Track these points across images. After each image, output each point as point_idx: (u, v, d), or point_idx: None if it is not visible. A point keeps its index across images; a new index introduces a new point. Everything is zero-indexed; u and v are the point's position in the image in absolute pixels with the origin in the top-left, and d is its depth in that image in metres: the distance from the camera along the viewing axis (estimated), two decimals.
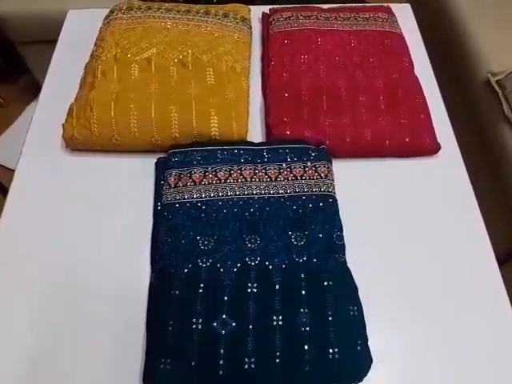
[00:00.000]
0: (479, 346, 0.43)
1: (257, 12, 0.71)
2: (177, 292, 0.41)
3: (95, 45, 0.60)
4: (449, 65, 0.95)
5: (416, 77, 0.60)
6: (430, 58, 0.67)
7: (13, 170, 1.25)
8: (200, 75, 0.56)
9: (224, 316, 0.40)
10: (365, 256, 0.46)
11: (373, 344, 0.40)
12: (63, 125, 0.53)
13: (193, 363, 0.37)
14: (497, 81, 0.85)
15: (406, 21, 0.70)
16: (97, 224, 0.49)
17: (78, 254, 0.47)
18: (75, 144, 0.52)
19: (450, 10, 0.97)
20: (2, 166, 1.20)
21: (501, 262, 0.78)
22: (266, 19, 0.67)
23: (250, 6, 0.69)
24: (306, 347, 0.38)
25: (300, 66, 0.59)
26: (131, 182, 0.52)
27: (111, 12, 0.64)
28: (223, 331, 0.39)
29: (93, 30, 0.65)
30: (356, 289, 0.43)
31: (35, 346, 0.41)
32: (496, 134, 0.84)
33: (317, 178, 0.49)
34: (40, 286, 0.45)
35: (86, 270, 0.46)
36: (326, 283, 0.42)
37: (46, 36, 1.12)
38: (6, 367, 0.41)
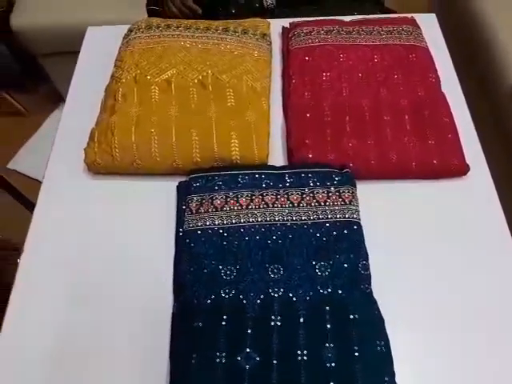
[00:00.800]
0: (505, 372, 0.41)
1: (276, 25, 0.69)
2: (200, 324, 0.41)
3: (115, 66, 0.60)
4: (475, 77, 0.92)
5: (443, 94, 0.58)
6: (455, 68, 0.64)
7: (34, 179, 1.27)
8: (220, 96, 0.55)
9: (248, 350, 0.39)
10: (392, 286, 0.45)
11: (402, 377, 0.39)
12: (85, 149, 0.53)
13: None
14: None
15: (432, 32, 0.67)
16: (118, 248, 0.49)
17: (98, 280, 0.47)
18: (97, 168, 0.53)
19: (476, 19, 0.94)
20: (25, 176, 1.22)
21: None
22: (285, 34, 0.66)
23: (270, 20, 0.68)
24: None
25: (322, 85, 0.58)
26: (152, 206, 0.52)
27: (130, 31, 0.64)
28: (247, 366, 0.39)
29: (112, 47, 0.65)
30: (383, 321, 0.42)
31: (57, 372, 0.42)
32: None
33: (341, 204, 0.48)
34: (61, 311, 0.45)
35: (107, 298, 0.46)
36: (351, 316, 0.41)
37: (66, 47, 1.14)
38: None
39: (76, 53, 1.17)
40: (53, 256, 0.49)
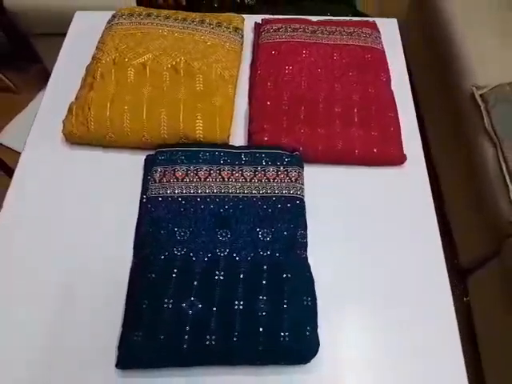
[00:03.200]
0: (420, 341, 0.48)
1: (252, 21, 0.75)
2: (153, 275, 0.47)
3: (97, 48, 0.66)
4: (441, 77, 0.99)
5: (391, 92, 0.64)
6: (422, 68, 0.71)
7: (19, 153, 1.30)
8: (190, 81, 0.61)
9: (192, 298, 0.45)
10: (327, 254, 0.52)
11: (324, 332, 0.46)
12: (63, 121, 0.58)
13: (161, 337, 0.43)
14: (480, 94, 0.89)
15: (391, 35, 0.74)
16: (89, 211, 0.55)
17: (71, 237, 0.53)
18: (74, 139, 0.58)
19: (443, 25, 1.01)
20: (12, 150, 1.27)
21: (471, 270, 0.83)
22: (257, 29, 0.72)
23: (246, 16, 0.74)
24: (260, 329, 0.44)
25: (284, 77, 0.64)
26: (122, 175, 0.58)
27: (113, 17, 0.69)
28: (190, 311, 0.45)
29: (97, 31, 0.71)
30: (313, 282, 0.49)
31: (30, 321, 0.48)
32: (476, 146, 0.88)
33: (287, 182, 0.54)
34: (32, 271, 0.51)
35: (77, 252, 0.52)
36: (285, 275, 0.47)
37: (56, 29, 1.18)
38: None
39: (64, 34, 1.20)
40: (30, 215, 0.55)
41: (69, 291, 0.49)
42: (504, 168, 0.81)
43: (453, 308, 0.50)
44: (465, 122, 0.93)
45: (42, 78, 1.38)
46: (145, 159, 0.58)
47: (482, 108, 0.87)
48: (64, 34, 1.22)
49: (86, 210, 0.55)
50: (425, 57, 0.73)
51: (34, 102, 1.36)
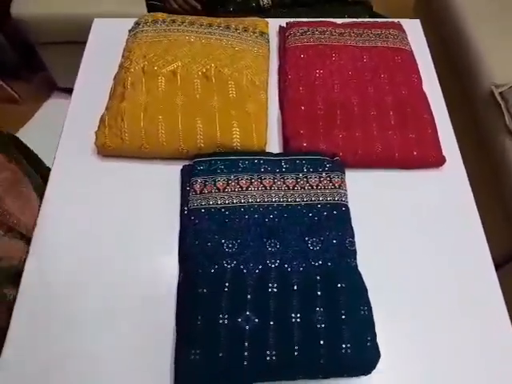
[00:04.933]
0: (476, 344, 0.47)
1: (273, 25, 0.74)
2: (204, 290, 0.46)
3: (123, 56, 0.64)
4: (455, 77, 0.99)
5: (424, 93, 0.64)
6: (436, 69, 0.70)
7: None
8: (222, 88, 0.60)
9: (247, 313, 0.44)
10: (374, 260, 0.51)
11: (380, 341, 0.45)
12: (96, 133, 0.57)
13: (220, 354, 0.42)
14: (500, 93, 0.89)
15: (416, 36, 0.74)
16: (127, 226, 0.53)
17: (109, 256, 0.51)
18: (107, 151, 0.57)
19: (457, 23, 1.01)
20: None
21: (498, 265, 0.83)
22: (282, 33, 0.71)
23: (268, 19, 0.73)
24: (321, 342, 0.43)
25: (315, 81, 0.63)
26: (157, 187, 0.56)
27: (137, 24, 0.68)
28: (247, 326, 0.43)
29: (119, 39, 0.69)
30: (366, 290, 0.48)
31: (69, 343, 0.46)
32: (497, 144, 0.88)
33: (331, 188, 0.53)
34: (73, 286, 0.49)
35: (118, 270, 0.50)
36: (339, 285, 0.46)
37: (63, 37, 1.16)
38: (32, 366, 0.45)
39: (73, 43, 1.19)
40: (64, 233, 0.53)
41: (110, 311, 0.48)
42: None
43: (505, 308, 0.50)
44: (484, 121, 0.93)
45: (46, 87, 1.36)
46: (181, 169, 0.56)
47: (503, 106, 0.87)
48: (69, 42, 1.20)
49: (123, 224, 0.54)
50: (436, 56, 0.73)
51: (39, 113, 1.33)
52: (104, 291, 0.49)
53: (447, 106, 0.66)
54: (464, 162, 0.61)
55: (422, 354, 0.47)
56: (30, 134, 1.29)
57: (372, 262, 0.50)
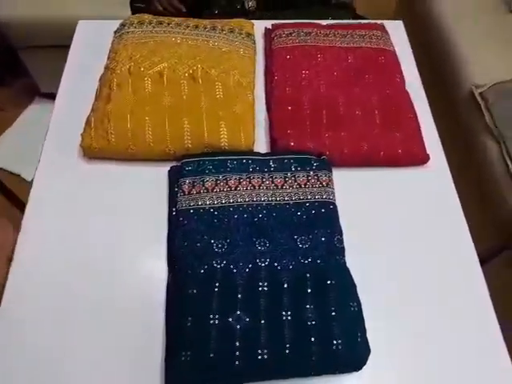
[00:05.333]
0: (461, 338, 0.48)
1: (258, 27, 0.75)
2: (194, 291, 0.45)
3: (109, 58, 0.64)
4: (436, 77, 1.01)
5: (407, 92, 0.65)
6: (419, 70, 0.72)
7: (9, 172, 1.27)
8: (209, 89, 0.60)
9: (238, 312, 0.44)
10: (362, 258, 0.51)
11: (370, 336, 0.45)
12: (82, 134, 0.56)
13: (211, 355, 0.42)
14: (480, 93, 0.91)
15: (398, 37, 0.75)
16: (114, 228, 0.53)
17: (96, 258, 0.51)
18: (93, 153, 0.56)
19: (438, 26, 1.04)
20: (2, 169, 1.21)
21: (483, 260, 0.85)
22: (268, 34, 0.72)
23: (253, 21, 0.74)
24: (312, 339, 0.43)
25: (301, 81, 0.63)
26: (145, 189, 0.56)
27: (122, 25, 0.67)
28: (238, 326, 0.43)
29: (103, 41, 0.69)
30: (355, 287, 0.48)
31: (57, 345, 0.45)
32: (478, 143, 0.90)
33: (319, 187, 0.54)
34: (62, 290, 0.48)
35: (106, 273, 0.49)
36: (329, 282, 0.47)
37: (46, 41, 1.15)
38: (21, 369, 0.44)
39: (56, 46, 1.18)
40: (50, 234, 0.52)
41: (98, 313, 0.47)
42: (510, 164, 0.83)
43: (491, 304, 0.51)
44: (466, 121, 0.95)
45: (29, 92, 1.33)
46: (169, 171, 0.56)
47: (483, 106, 0.90)
48: (52, 46, 1.18)
49: (110, 227, 0.53)
50: (418, 58, 0.75)
51: (22, 118, 1.31)
52: (92, 293, 0.48)
53: (430, 106, 0.67)
54: (447, 162, 0.62)
55: (410, 350, 0.47)
56: (11, 140, 1.27)
57: (360, 259, 0.51)
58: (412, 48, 0.75)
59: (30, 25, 1.09)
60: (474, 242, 0.55)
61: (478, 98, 0.91)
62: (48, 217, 0.53)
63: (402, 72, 0.67)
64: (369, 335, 0.45)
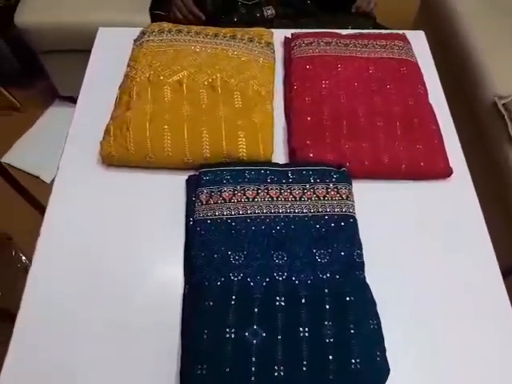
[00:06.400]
0: (485, 355, 0.47)
1: (277, 35, 0.74)
2: (211, 303, 0.45)
3: (128, 66, 0.64)
4: (458, 87, 0.99)
5: (430, 103, 0.64)
6: (440, 81, 0.71)
7: (28, 173, 1.30)
8: (228, 98, 0.59)
9: (255, 327, 0.43)
10: (382, 273, 0.50)
11: (389, 355, 0.44)
12: (101, 142, 0.56)
13: (227, 370, 0.41)
14: (503, 104, 0.89)
15: (420, 47, 0.74)
16: (131, 236, 0.53)
17: (114, 267, 0.50)
18: (112, 161, 0.56)
19: (459, 34, 1.02)
20: (20, 170, 1.23)
21: (506, 275, 0.83)
22: (288, 44, 0.71)
23: (272, 30, 0.73)
24: (330, 357, 0.42)
25: (321, 91, 0.63)
26: (163, 197, 0.56)
27: (143, 34, 0.68)
28: (254, 341, 0.43)
29: (123, 48, 0.69)
30: (375, 304, 0.47)
31: (72, 358, 0.45)
32: (502, 153, 0.88)
33: (338, 199, 0.53)
34: (77, 298, 0.48)
35: (122, 282, 0.49)
36: (348, 298, 0.46)
37: (66, 46, 1.17)
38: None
39: (75, 51, 1.19)
40: (68, 244, 0.52)
41: (116, 327, 0.47)
42: None
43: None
44: (488, 132, 0.93)
45: (48, 95, 1.36)
46: (187, 180, 0.56)
47: (506, 117, 0.87)
48: (72, 51, 1.20)
49: (128, 235, 0.53)
50: (438, 67, 0.73)
51: (41, 121, 1.33)
52: (108, 303, 0.48)
53: (451, 117, 0.66)
54: (469, 173, 0.61)
55: (431, 367, 0.46)
56: (30, 142, 1.29)
57: (380, 274, 0.50)
58: (433, 58, 0.74)
59: (49, 30, 1.11)
60: (498, 256, 0.54)
61: (502, 109, 0.88)
62: (65, 225, 0.53)
63: (424, 83, 0.66)
64: (388, 352, 0.44)
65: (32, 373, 0.44)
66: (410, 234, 0.55)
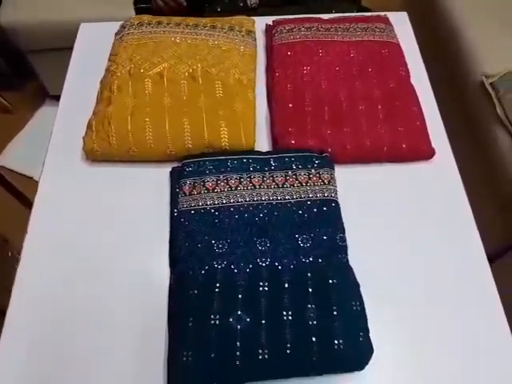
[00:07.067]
0: (469, 338, 0.47)
1: (260, 23, 0.74)
2: (195, 292, 0.45)
3: (109, 60, 0.64)
4: (445, 68, 0.99)
5: (412, 85, 0.64)
6: (426, 61, 0.70)
7: (22, 175, 1.30)
8: (209, 88, 0.60)
9: (239, 312, 0.44)
10: (365, 255, 0.50)
11: (373, 336, 0.45)
12: (83, 138, 0.57)
13: (212, 355, 0.42)
14: (490, 83, 0.88)
15: (403, 29, 0.73)
16: (117, 229, 0.53)
17: (99, 258, 0.51)
18: (95, 156, 0.56)
19: (446, 14, 1.01)
20: (14, 172, 1.23)
21: (492, 259, 0.83)
22: (269, 31, 0.71)
23: (254, 18, 0.73)
24: (313, 339, 0.43)
25: (303, 78, 0.63)
26: (147, 190, 0.56)
27: (123, 27, 0.67)
28: (238, 326, 0.43)
29: (104, 43, 0.69)
30: (358, 285, 0.47)
31: (61, 346, 0.46)
32: (489, 134, 0.88)
33: (320, 184, 0.53)
34: (64, 291, 0.49)
35: (108, 275, 0.50)
36: (330, 281, 0.46)
37: (53, 44, 1.16)
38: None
39: (63, 49, 1.19)
40: (54, 238, 0.53)
41: (99, 314, 0.48)
42: None
43: (500, 303, 0.49)
44: (476, 112, 0.92)
45: (38, 95, 1.36)
46: (170, 172, 0.56)
47: (493, 96, 0.87)
48: (60, 49, 1.19)
49: (113, 227, 0.53)
50: (424, 48, 0.73)
51: (33, 121, 1.33)
52: (94, 293, 0.49)
53: (437, 98, 0.66)
54: (455, 154, 0.61)
55: (415, 348, 0.47)
56: (22, 143, 1.29)
57: (363, 257, 0.50)
58: (419, 38, 0.73)
59: (35, 28, 1.10)
60: (483, 238, 0.54)
61: (489, 89, 0.88)
62: (52, 221, 0.54)
63: (406, 65, 0.66)
64: (372, 335, 0.45)
65: (22, 360, 0.45)
66: (393, 217, 0.55)
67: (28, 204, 0.98)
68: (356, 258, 0.49)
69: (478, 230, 0.54)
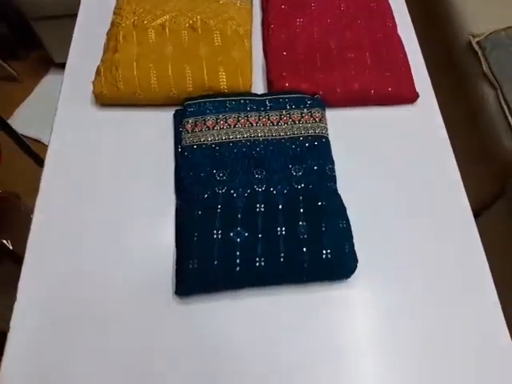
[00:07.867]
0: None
1: None
2: (199, 212, 0.51)
3: (114, 13, 0.68)
4: (433, 27, 1.02)
5: (399, 36, 0.68)
6: (415, 21, 0.74)
7: (31, 138, 1.34)
8: (208, 38, 0.64)
9: (238, 228, 0.49)
10: (353, 187, 0.56)
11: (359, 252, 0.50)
12: (93, 82, 0.61)
13: (215, 262, 0.47)
14: (477, 42, 0.93)
15: None
16: (125, 165, 0.58)
17: (109, 190, 0.56)
18: (104, 99, 0.61)
19: None
20: (21, 135, 1.28)
21: (477, 212, 0.88)
22: None
23: None
24: (304, 249, 0.48)
25: (296, 29, 0.67)
26: (153, 131, 0.61)
27: None
28: (238, 239, 0.49)
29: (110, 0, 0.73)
30: (345, 209, 0.53)
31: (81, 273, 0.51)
32: (476, 90, 0.92)
33: (312, 122, 0.58)
34: (76, 237, 0.52)
35: (119, 211, 0.54)
36: (320, 203, 0.51)
37: (57, 11, 1.19)
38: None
39: (67, 16, 1.21)
40: (71, 178, 0.57)
41: (117, 243, 0.52)
42: (506, 109, 0.85)
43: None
44: (463, 70, 0.97)
45: (43, 64, 1.39)
46: (174, 114, 0.61)
47: (480, 54, 0.91)
48: (63, 16, 1.22)
49: (121, 166, 0.58)
50: (414, 6, 0.77)
51: (39, 88, 1.37)
52: (108, 231, 0.53)
53: (426, 56, 0.70)
54: (441, 108, 0.65)
55: (399, 263, 0.52)
56: (29, 109, 1.33)
57: (352, 198, 0.54)
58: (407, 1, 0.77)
59: None
60: (468, 192, 0.56)
61: (476, 47, 0.92)
62: (66, 161, 0.58)
63: (393, 17, 0.70)
64: (358, 252, 0.50)
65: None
66: (379, 155, 0.59)
67: (38, 162, 1.03)
68: (343, 190, 0.54)
69: (459, 172, 0.59)
